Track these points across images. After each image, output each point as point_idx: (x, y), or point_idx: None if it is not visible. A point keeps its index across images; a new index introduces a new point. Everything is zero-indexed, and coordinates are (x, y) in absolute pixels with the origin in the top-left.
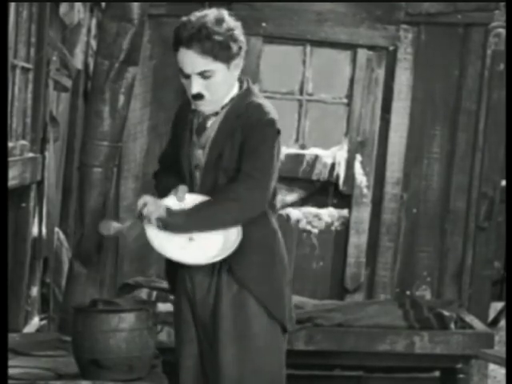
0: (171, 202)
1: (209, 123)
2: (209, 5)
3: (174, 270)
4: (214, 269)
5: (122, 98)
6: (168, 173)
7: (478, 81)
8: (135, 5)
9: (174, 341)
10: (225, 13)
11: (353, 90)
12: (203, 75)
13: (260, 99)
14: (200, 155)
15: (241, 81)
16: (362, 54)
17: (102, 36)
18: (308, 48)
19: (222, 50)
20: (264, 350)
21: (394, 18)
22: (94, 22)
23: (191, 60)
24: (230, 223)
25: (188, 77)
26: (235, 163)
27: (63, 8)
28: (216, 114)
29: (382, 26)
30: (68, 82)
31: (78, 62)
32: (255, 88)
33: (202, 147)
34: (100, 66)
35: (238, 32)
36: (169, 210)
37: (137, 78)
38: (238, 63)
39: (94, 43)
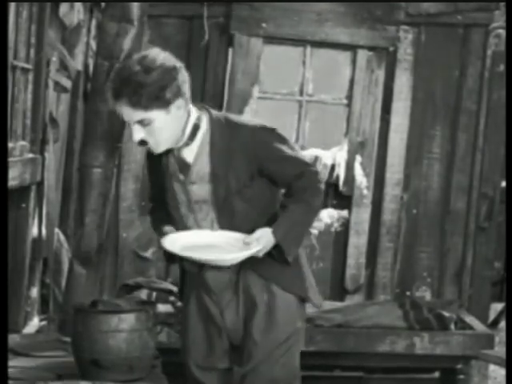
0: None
1: (188, 157)
2: (208, 5)
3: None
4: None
5: None
6: (163, 208)
7: (478, 81)
8: (135, 5)
9: (178, 342)
10: (158, 56)
11: (353, 91)
12: (142, 123)
13: (229, 116)
14: (198, 190)
15: (200, 107)
16: (362, 54)
17: (102, 36)
18: (308, 49)
19: (151, 101)
20: (294, 348)
21: (394, 18)
22: (93, 22)
23: (125, 111)
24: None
25: (129, 124)
26: (248, 183)
27: (63, 8)
28: (186, 145)
29: (382, 26)
30: (68, 83)
31: (77, 62)
32: (213, 110)
33: (194, 183)
34: (100, 66)
35: (172, 76)
36: (274, 234)
37: None
38: (179, 105)
39: (93, 44)
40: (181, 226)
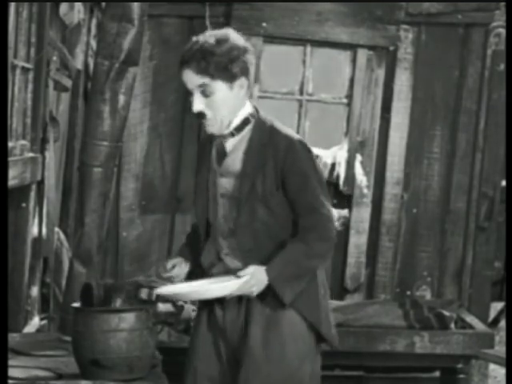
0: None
1: (227, 148)
2: (208, 5)
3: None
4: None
5: (122, 98)
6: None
7: (478, 81)
8: (135, 5)
9: (179, 341)
10: (229, 33)
11: (353, 90)
12: (204, 93)
13: (275, 122)
14: (225, 184)
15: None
16: (362, 54)
17: (102, 36)
18: (308, 48)
19: (219, 71)
20: (299, 377)
21: (394, 18)
22: (94, 22)
23: (190, 78)
24: (323, 264)
25: (191, 94)
26: (274, 192)
27: (63, 8)
28: (232, 135)
29: (382, 26)
30: (68, 82)
31: (78, 62)
32: (261, 111)
33: (223, 175)
34: (100, 66)
35: (241, 52)
36: (269, 275)
37: (137, 79)
38: (242, 84)
39: (94, 43)
40: (202, 223)
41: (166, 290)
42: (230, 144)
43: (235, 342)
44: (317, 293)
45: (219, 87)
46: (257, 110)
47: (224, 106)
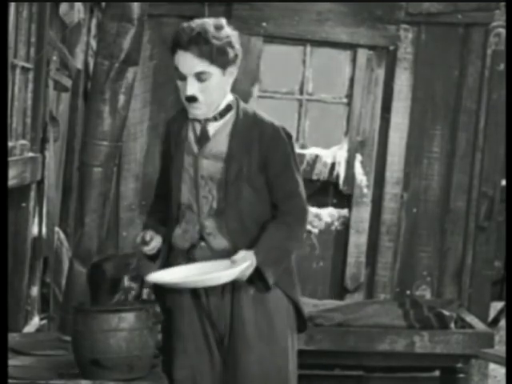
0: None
1: (210, 131)
2: (208, 5)
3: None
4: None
5: (122, 98)
6: (161, 207)
7: (478, 80)
8: (135, 5)
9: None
10: (223, 21)
11: (353, 90)
12: (199, 77)
13: (258, 111)
14: (208, 165)
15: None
16: (362, 53)
17: (102, 36)
18: (308, 48)
19: (219, 55)
20: (288, 349)
21: (394, 17)
22: (94, 21)
23: (189, 62)
24: (299, 246)
25: (184, 78)
26: (258, 175)
27: (63, 8)
28: (214, 119)
29: (382, 25)
30: (68, 82)
31: (78, 61)
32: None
33: (206, 157)
34: (100, 66)
35: (235, 40)
36: (257, 259)
37: (137, 78)
38: (233, 71)
39: (94, 43)
40: (175, 208)
41: (160, 277)
42: (212, 128)
43: (222, 326)
44: (293, 271)
45: (215, 72)
46: (237, 99)
47: (216, 91)
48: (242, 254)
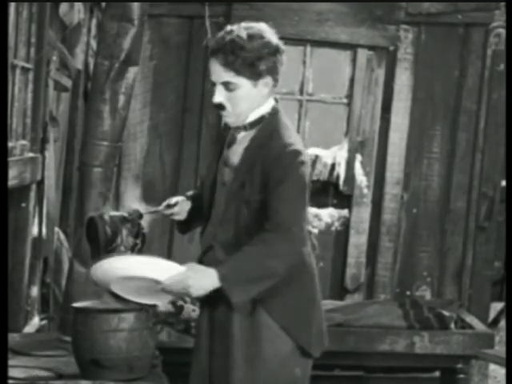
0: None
1: (239, 137)
2: (208, 5)
3: None
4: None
5: (122, 98)
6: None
7: (478, 81)
8: (135, 5)
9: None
10: (265, 30)
11: (353, 90)
12: (227, 87)
13: (282, 126)
14: (226, 173)
15: (276, 100)
16: (362, 54)
17: (102, 36)
18: (308, 48)
19: (244, 67)
20: (277, 375)
21: (394, 18)
22: (94, 22)
23: (216, 70)
24: (284, 265)
25: (214, 84)
26: (256, 196)
27: (63, 8)
28: (244, 129)
29: (382, 26)
30: (68, 82)
31: (78, 61)
32: (282, 111)
33: (226, 164)
34: (100, 66)
35: (272, 51)
36: (221, 278)
37: (137, 78)
38: (267, 82)
39: (94, 43)
40: (206, 206)
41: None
42: (240, 137)
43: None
44: (303, 312)
45: (242, 84)
46: (276, 111)
47: (244, 101)
48: (189, 265)
